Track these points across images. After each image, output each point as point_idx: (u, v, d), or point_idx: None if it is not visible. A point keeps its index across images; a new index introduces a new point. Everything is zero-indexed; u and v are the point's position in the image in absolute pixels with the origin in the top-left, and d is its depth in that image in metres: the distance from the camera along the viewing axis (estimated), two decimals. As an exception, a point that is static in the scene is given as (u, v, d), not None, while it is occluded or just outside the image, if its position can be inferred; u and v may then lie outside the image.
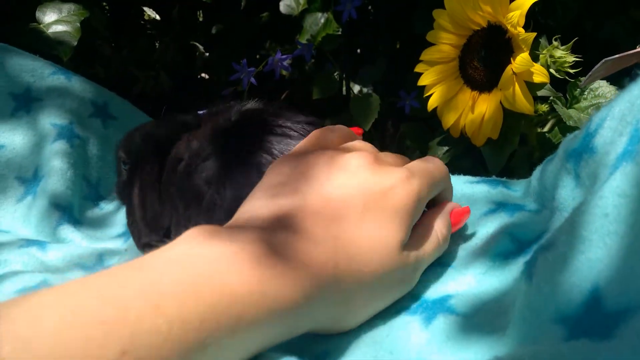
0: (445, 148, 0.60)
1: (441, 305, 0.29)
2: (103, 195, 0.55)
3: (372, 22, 0.82)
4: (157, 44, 1.16)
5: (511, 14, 0.47)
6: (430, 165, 0.36)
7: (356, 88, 0.76)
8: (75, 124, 0.54)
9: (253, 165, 0.42)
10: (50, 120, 0.53)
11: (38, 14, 0.82)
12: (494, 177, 0.45)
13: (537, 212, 0.36)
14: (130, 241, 0.45)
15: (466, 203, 0.37)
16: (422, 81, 0.56)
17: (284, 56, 0.73)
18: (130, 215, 0.53)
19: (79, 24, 0.82)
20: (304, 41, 0.77)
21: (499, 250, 0.33)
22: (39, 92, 0.55)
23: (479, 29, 0.52)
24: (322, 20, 0.80)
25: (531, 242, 0.33)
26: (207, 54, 1.18)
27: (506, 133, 0.52)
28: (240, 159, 0.42)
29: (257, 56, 1.09)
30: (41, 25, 0.82)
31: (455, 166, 0.53)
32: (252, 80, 0.72)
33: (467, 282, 0.31)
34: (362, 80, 0.75)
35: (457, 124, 0.55)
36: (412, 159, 0.38)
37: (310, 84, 0.77)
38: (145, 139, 0.50)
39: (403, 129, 0.68)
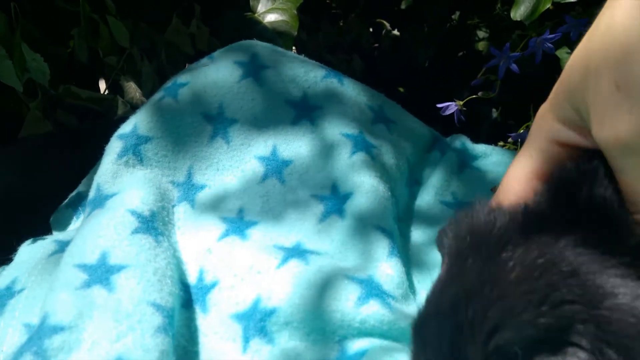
0: None
1: None
2: (401, 216, 0.46)
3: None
4: (341, 23, 1.08)
5: None
6: None
7: None
8: (365, 132, 0.46)
9: None
10: (339, 129, 0.46)
11: (252, 2, 0.77)
12: None
13: None
14: None
15: None
16: None
17: (550, 36, 0.61)
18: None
19: (295, 12, 0.76)
20: (517, 13, 0.64)
21: None
22: (316, 98, 0.47)
23: None
24: (546, -14, 0.67)
25: None
26: (395, 31, 1.09)
27: None
28: None
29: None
30: (256, 15, 0.77)
31: None
32: (513, 67, 0.61)
33: None
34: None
35: None
36: None
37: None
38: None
39: None
